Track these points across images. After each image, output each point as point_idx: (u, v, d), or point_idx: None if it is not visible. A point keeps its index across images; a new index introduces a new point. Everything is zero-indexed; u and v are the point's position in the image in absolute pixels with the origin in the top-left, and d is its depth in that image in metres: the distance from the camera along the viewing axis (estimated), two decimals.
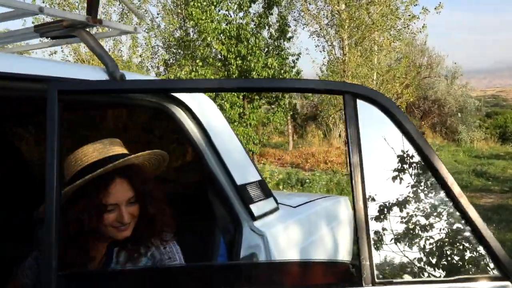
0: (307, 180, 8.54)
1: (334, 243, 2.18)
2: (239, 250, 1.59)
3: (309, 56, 20.35)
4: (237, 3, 11.19)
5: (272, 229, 1.75)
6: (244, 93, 11.30)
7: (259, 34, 11.19)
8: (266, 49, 11.63)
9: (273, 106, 11.94)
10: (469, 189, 8.72)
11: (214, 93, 11.26)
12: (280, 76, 11.13)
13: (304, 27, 11.03)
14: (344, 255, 2.30)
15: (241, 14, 11.32)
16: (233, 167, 1.64)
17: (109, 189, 1.29)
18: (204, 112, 1.57)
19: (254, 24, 11.35)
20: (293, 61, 11.62)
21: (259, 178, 1.83)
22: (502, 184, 9.33)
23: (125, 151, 1.37)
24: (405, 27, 11.08)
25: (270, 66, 10.82)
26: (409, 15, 10.69)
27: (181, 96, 1.47)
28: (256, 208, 1.73)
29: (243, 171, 1.73)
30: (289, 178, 9.03)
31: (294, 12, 11.57)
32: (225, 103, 10.71)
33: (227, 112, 10.86)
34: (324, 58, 11.71)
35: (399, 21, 10.60)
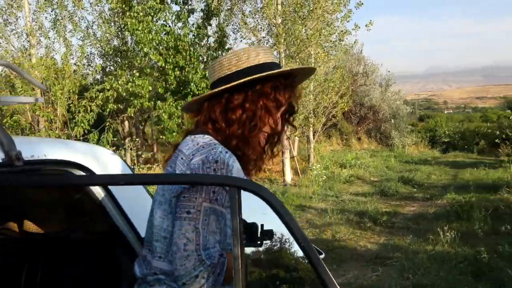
0: None
1: None
2: None
3: None
4: (176, 13, 11.20)
5: None
6: (183, 103, 11.32)
7: (197, 45, 11.27)
8: (205, 60, 11.72)
9: None
10: (395, 198, 9.29)
11: (152, 104, 11.22)
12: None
13: (241, 40, 11.24)
14: None
15: (179, 25, 11.35)
16: (137, 221, 1.75)
17: (293, 93, 1.39)
18: (106, 171, 1.67)
19: (193, 35, 11.41)
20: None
21: None
22: (425, 191, 10.00)
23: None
24: (339, 41, 11.59)
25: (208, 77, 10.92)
26: (342, 31, 11.19)
27: (81, 159, 1.57)
28: None
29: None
30: None
31: (233, 25, 11.76)
32: (163, 114, 10.68)
33: (165, 123, 10.83)
34: None
35: (333, 36, 11.07)
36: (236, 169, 1.22)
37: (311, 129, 13.51)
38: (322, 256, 1.24)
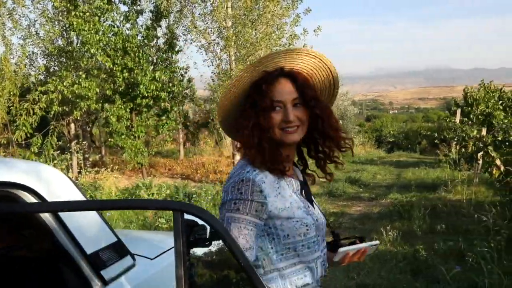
0: (194, 195, 8.69)
1: None
2: None
3: (202, 68, 20.52)
4: (124, 14, 10.99)
5: None
6: (132, 105, 11.13)
7: (146, 47, 11.11)
8: (155, 61, 11.58)
9: (162, 118, 11.91)
10: (342, 198, 9.59)
11: (99, 107, 10.94)
12: (169, 89, 11.16)
13: (191, 42, 11.21)
14: None
15: (128, 26, 11.14)
16: (83, 238, 1.75)
17: (273, 87, 1.37)
18: (51, 191, 1.66)
19: (142, 36, 11.24)
20: (182, 75, 11.71)
21: (114, 239, 1.96)
22: (370, 191, 10.41)
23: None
24: (289, 45, 11.81)
25: (158, 79, 10.80)
26: (291, 35, 11.42)
27: (26, 181, 1.56)
28: (110, 272, 1.85)
29: (95, 238, 1.84)
30: (177, 193, 9.10)
31: (183, 27, 11.71)
32: (111, 116, 10.45)
33: (113, 125, 10.60)
34: (212, 72, 11.96)
35: (283, 39, 11.27)
36: (267, 184, 1.33)
37: None
38: (376, 242, 1.46)
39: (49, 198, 1.64)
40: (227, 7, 10.69)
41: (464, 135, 11.24)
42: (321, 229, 1.44)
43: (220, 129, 12.38)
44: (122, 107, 10.76)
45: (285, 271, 1.38)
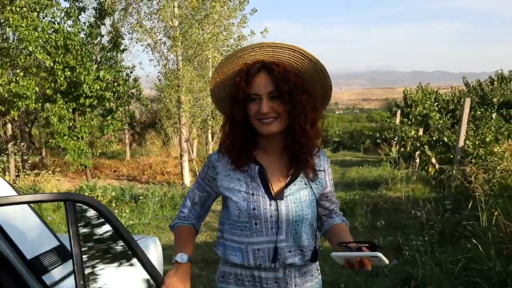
0: (140, 197, 8.55)
1: None
2: None
3: (148, 68, 20.21)
4: (65, 10, 10.60)
5: None
6: (75, 105, 10.77)
7: (90, 45, 10.79)
8: (99, 60, 11.27)
9: (107, 118, 11.60)
10: None
11: (39, 106, 10.49)
12: (114, 89, 10.90)
13: (137, 41, 11.01)
14: None
15: (69, 22, 10.77)
16: (22, 243, 1.71)
17: (252, 80, 1.41)
18: None
19: (85, 34, 10.90)
20: (127, 74, 11.47)
21: (56, 243, 1.93)
22: None
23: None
24: (236, 46, 11.90)
25: (102, 78, 10.51)
26: (239, 36, 11.51)
27: None
28: (51, 276, 1.83)
29: (36, 242, 1.81)
30: (123, 194, 8.90)
31: (128, 25, 11.46)
32: (52, 117, 10.05)
33: (54, 126, 10.21)
34: (158, 72, 11.80)
35: (230, 41, 11.33)
36: (220, 163, 1.52)
37: (210, 131, 13.68)
38: (379, 255, 1.30)
39: None
40: (173, 7, 10.59)
41: (403, 135, 11.84)
42: (262, 220, 1.44)
43: (168, 129, 12.16)
44: (64, 107, 10.38)
45: (227, 242, 1.51)
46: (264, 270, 1.48)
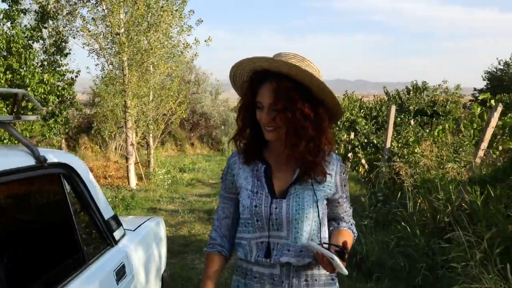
0: None
1: (159, 258, 2.95)
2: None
3: (95, 72, 19.83)
4: (4, 12, 10.42)
5: (127, 248, 2.42)
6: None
7: (32, 49, 10.67)
8: (42, 64, 11.16)
9: (49, 122, 11.45)
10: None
11: None
12: (58, 93, 10.84)
13: (84, 46, 11.07)
14: (163, 266, 3.08)
15: (8, 24, 10.58)
16: (102, 209, 2.26)
17: (259, 88, 1.47)
18: (84, 174, 2.15)
19: (26, 37, 10.75)
20: (72, 78, 11.46)
21: (113, 213, 2.46)
22: None
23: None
24: (181, 53, 12.34)
25: (46, 82, 10.45)
26: (184, 44, 11.98)
27: (73, 164, 2.04)
28: (116, 235, 2.38)
29: (106, 208, 2.34)
30: None
31: (72, 30, 11.47)
32: None
33: None
34: (105, 77, 11.92)
35: (177, 48, 11.76)
36: (237, 164, 1.61)
37: (151, 135, 13.93)
38: (338, 263, 1.36)
39: (83, 176, 2.16)
40: (119, 13, 10.82)
41: (336, 139, 12.96)
42: (263, 217, 1.49)
43: (104, 134, 12.20)
44: (6, 110, 10.18)
45: (236, 239, 1.62)
46: (262, 265, 1.52)
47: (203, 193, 11.05)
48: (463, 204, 4.52)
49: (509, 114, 6.44)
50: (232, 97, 29.91)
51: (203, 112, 26.79)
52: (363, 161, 9.94)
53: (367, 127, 14.29)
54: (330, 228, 1.64)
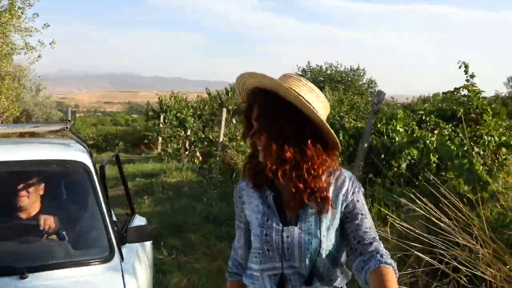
0: None
1: None
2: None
3: None
4: None
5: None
6: None
7: None
8: None
9: None
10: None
11: None
12: None
13: None
14: None
15: None
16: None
17: (251, 109, 1.42)
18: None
19: None
20: None
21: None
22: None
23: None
24: (24, 54, 12.44)
25: None
26: (26, 45, 12.15)
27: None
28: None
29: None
30: None
31: None
32: None
33: None
34: None
35: (22, 51, 11.91)
36: (245, 191, 1.53)
37: None
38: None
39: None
40: None
41: (169, 135, 14.81)
42: (274, 246, 1.40)
43: None
44: None
45: (248, 270, 1.52)
46: None
47: None
48: None
49: None
50: (55, 94, 28.79)
51: (23, 109, 25.36)
52: (197, 153, 11.90)
53: (195, 124, 16.10)
54: (358, 265, 1.35)
